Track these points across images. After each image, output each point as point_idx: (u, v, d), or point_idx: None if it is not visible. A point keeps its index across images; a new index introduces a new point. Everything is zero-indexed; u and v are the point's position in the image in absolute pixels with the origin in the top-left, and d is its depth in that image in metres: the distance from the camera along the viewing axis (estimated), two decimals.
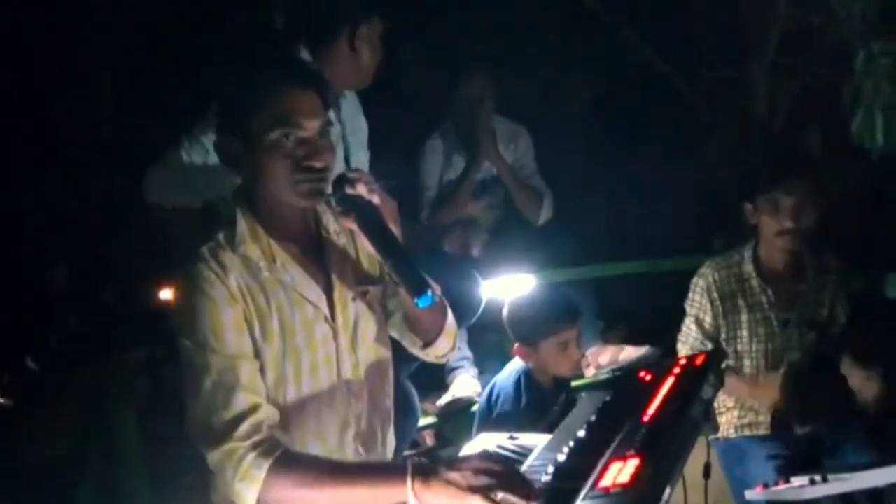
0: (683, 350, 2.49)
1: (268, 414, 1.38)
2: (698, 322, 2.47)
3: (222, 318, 1.38)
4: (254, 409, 1.36)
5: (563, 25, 4.28)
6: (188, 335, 1.38)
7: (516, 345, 2.28)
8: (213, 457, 1.34)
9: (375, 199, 1.39)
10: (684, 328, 2.52)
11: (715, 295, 2.44)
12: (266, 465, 1.31)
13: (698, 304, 2.48)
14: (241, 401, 1.35)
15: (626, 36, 4.16)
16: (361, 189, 1.39)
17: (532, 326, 2.22)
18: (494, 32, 4.34)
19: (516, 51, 4.34)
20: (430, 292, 1.35)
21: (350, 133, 2.21)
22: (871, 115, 2.73)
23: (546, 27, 4.35)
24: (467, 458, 1.32)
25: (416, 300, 1.35)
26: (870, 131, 2.74)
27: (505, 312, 2.33)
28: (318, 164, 1.39)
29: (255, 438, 1.33)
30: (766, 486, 1.85)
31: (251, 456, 1.32)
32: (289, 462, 1.33)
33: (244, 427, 1.33)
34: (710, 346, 2.44)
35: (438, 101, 3.51)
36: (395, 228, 1.41)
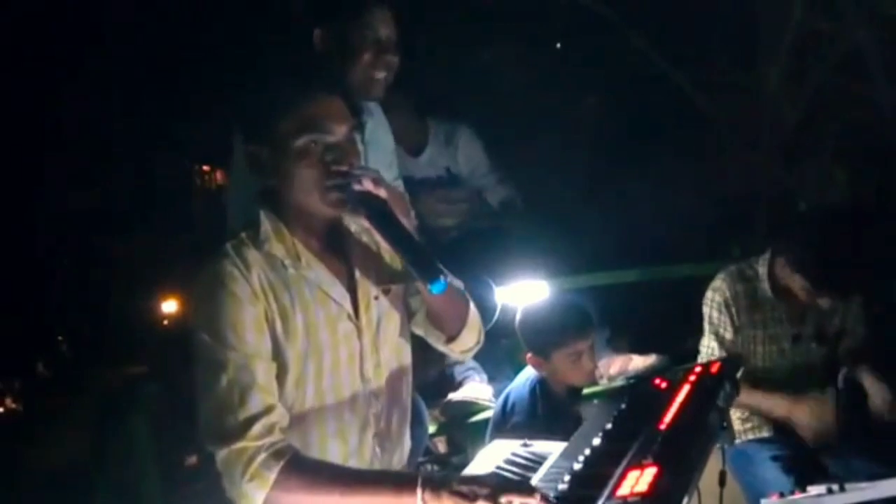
0: None
1: (280, 416, 1.38)
2: (720, 339, 2.40)
3: (243, 315, 1.38)
4: (268, 409, 1.36)
5: (572, 30, 4.29)
6: (207, 330, 1.38)
7: (528, 354, 2.27)
8: (223, 454, 1.34)
9: (382, 193, 1.39)
10: (705, 349, 2.45)
11: (733, 309, 2.40)
12: (277, 466, 1.31)
13: (717, 319, 2.41)
14: (257, 400, 1.35)
15: (637, 41, 4.16)
16: (368, 185, 1.39)
17: (543, 337, 2.20)
18: (501, 36, 4.35)
19: (524, 55, 4.34)
20: (442, 278, 1.35)
21: (371, 154, 2.20)
22: None
23: (555, 32, 4.36)
24: (480, 476, 1.33)
25: (428, 286, 1.36)
26: None
27: (517, 321, 2.32)
28: (346, 170, 1.40)
29: (268, 440, 1.34)
30: (782, 494, 1.83)
31: (262, 457, 1.32)
32: (299, 466, 1.33)
33: (258, 427, 1.34)
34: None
35: (441, 104, 3.52)
36: (406, 221, 1.41)
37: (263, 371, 1.38)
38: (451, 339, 1.59)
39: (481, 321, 1.67)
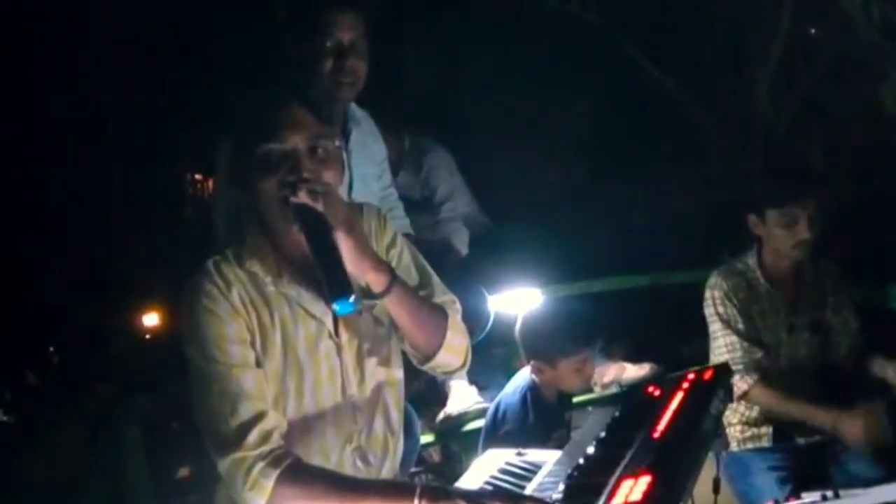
0: (738, 374, 2.33)
1: (277, 422, 1.39)
2: (737, 332, 2.37)
3: (225, 330, 1.39)
4: (260, 416, 1.36)
5: (564, 38, 4.30)
6: (193, 345, 1.40)
7: (531, 360, 2.26)
8: (224, 465, 1.35)
9: (319, 206, 1.35)
10: (722, 348, 2.38)
11: (735, 301, 2.41)
12: (274, 475, 1.32)
13: (727, 314, 2.39)
14: (247, 409, 1.36)
15: (628, 48, 4.17)
16: (304, 197, 1.36)
17: (552, 345, 2.21)
18: (495, 45, 4.36)
19: (518, 64, 4.35)
20: (350, 299, 1.31)
21: (356, 164, 2.15)
22: None
23: (548, 40, 4.37)
24: (484, 492, 1.32)
25: (333, 304, 1.33)
26: None
27: (519, 328, 2.31)
28: (292, 180, 1.36)
29: (265, 448, 1.34)
30: (776, 502, 1.82)
31: (260, 465, 1.32)
32: (297, 473, 1.33)
33: (253, 436, 1.34)
34: (759, 353, 2.35)
35: (438, 116, 3.52)
36: (346, 234, 1.36)
37: (251, 379, 1.39)
38: (426, 358, 1.55)
39: (475, 332, 1.65)
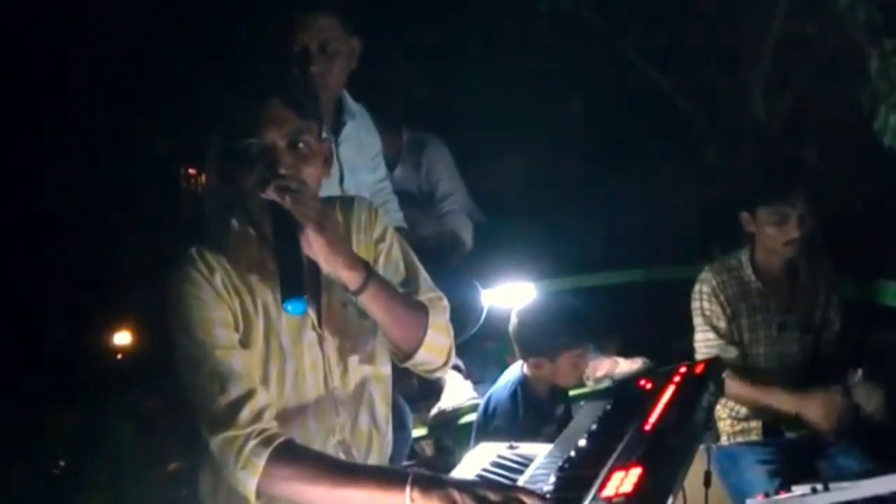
0: None
1: (268, 400, 1.40)
2: (715, 329, 2.42)
3: (211, 314, 1.41)
4: (250, 394, 1.37)
5: (559, 37, 4.31)
6: (179, 331, 1.41)
7: (529, 357, 2.25)
8: (215, 443, 1.36)
9: (287, 203, 1.35)
10: (700, 343, 2.44)
11: (722, 297, 2.43)
12: (265, 454, 1.32)
13: (709, 310, 2.43)
14: (237, 387, 1.37)
15: (623, 47, 4.18)
16: (271, 193, 1.36)
17: (554, 339, 2.21)
18: (491, 44, 4.37)
19: (514, 62, 4.36)
20: (301, 299, 1.32)
21: (348, 157, 2.13)
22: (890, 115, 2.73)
23: (542, 39, 4.38)
24: (476, 482, 1.31)
25: (283, 303, 1.34)
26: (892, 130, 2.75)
27: (515, 324, 2.30)
28: (268, 176, 1.37)
29: (256, 427, 1.35)
30: (766, 494, 1.83)
31: (252, 444, 1.33)
32: (289, 453, 1.33)
33: (245, 414, 1.35)
34: (734, 353, 2.39)
35: (435, 113, 3.51)
36: (316, 232, 1.36)
37: (239, 359, 1.40)
38: (406, 356, 1.53)
39: (468, 326, 1.65)
